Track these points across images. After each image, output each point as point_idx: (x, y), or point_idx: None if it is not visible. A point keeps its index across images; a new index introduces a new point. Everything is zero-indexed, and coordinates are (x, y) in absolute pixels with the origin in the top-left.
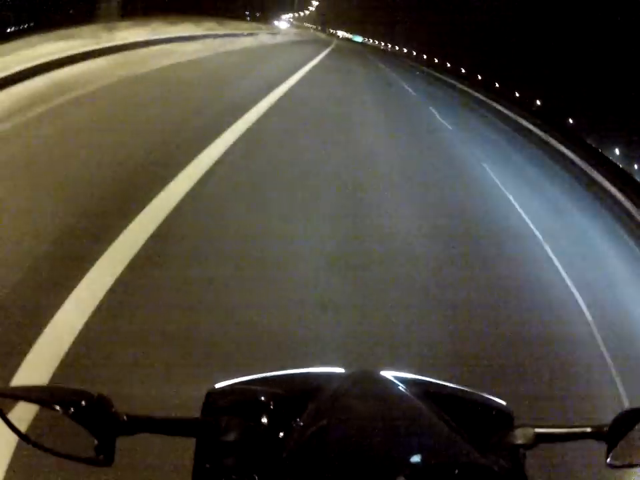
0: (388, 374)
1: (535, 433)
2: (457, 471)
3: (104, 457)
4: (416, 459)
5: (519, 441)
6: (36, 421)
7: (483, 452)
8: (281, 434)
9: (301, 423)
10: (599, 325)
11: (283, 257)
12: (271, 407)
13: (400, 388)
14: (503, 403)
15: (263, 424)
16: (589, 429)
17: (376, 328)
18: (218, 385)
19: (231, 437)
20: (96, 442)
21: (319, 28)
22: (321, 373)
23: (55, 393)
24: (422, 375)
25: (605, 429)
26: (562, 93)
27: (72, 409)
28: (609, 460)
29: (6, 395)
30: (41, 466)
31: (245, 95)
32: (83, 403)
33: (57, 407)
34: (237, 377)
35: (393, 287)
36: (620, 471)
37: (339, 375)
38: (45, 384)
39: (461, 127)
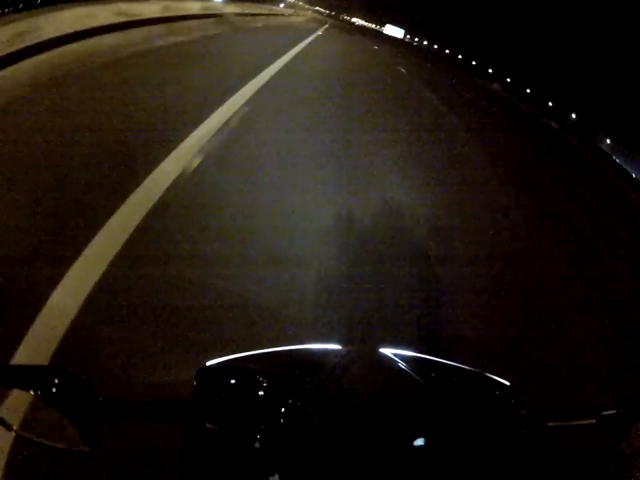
0: (387, 351)
1: (542, 415)
2: (459, 451)
3: (87, 444)
4: (417, 437)
5: (527, 424)
6: (17, 405)
7: (487, 433)
8: (278, 413)
9: (300, 402)
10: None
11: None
12: (266, 385)
13: (400, 365)
14: (507, 383)
15: (258, 404)
16: (596, 415)
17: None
18: (209, 363)
19: (224, 419)
20: (76, 428)
21: (328, 13)
22: (317, 349)
23: (32, 374)
24: (421, 353)
25: (613, 414)
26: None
27: (47, 391)
28: (617, 446)
29: None
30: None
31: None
32: (62, 386)
33: (32, 392)
34: (228, 355)
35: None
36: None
37: (337, 351)
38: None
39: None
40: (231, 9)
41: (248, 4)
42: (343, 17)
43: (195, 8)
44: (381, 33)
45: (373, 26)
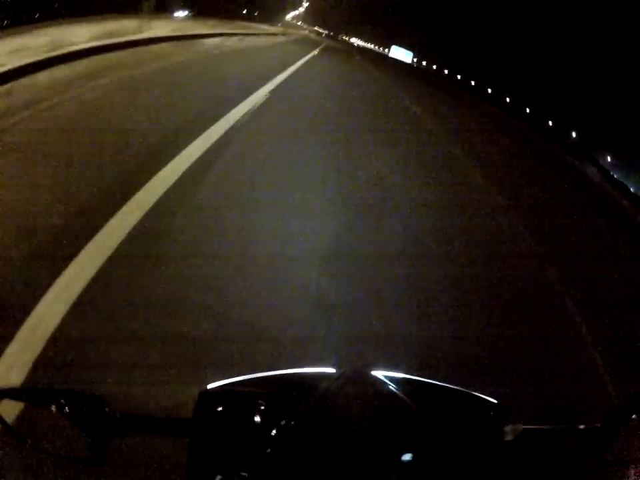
0: (379, 373)
1: (527, 430)
2: (448, 470)
3: (97, 456)
4: (407, 458)
5: (511, 439)
6: (30, 421)
7: (474, 450)
8: (273, 434)
9: (292, 423)
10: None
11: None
12: (263, 408)
13: (391, 388)
14: (495, 401)
15: (254, 424)
16: (582, 426)
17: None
18: (210, 386)
19: (223, 437)
20: (90, 441)
21: (327, 33)
22: (312, 373)
23: (48, 394)
24: (413, 375)
25: (598, 425)
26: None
27: (66, 409)
28: (603, 456)
29: (0, 395)
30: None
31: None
32: (78, 403)
33: (52, 408)
34: (228, 378)
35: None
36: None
37: (330, 375)
38: (42, 384)
39: None
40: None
41: (235, 23)
42: (341, 38)
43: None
44: (385, 56)
45: (375, 47)
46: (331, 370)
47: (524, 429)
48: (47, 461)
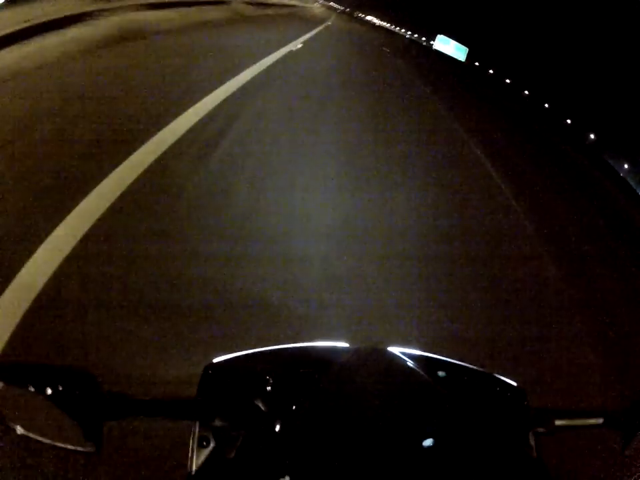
0: (396, 350)
1: (551, 417)
2: (467, 451)
3: (92, 442)
4: (426, 436)
5: (535, 425)
6: (13, 402)
7: (495, 433)
8: (285, 412)
9: (307, 401)
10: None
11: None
12: (275, 384)
13: (409, 364)
14: (514, 383)
15: (267, 402)
16: (604, 416)
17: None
18: (216, 360)
19: (231, 417)
20: (81, 426)
21: (342, 9)
22: (324, 347)
23: (35, 370)
24: (428, 352)
25: (620, 417)
26: None
27: (53, 390)
28: (625, 448)
29: None
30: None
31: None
32: (68, 383)
33: (39, 388)
34: (235, 351)
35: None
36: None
37: (344, 350)
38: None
39: None
40: None
41: None
42: (358, 15)
43: None
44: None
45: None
46: (345, 345)
47: (550, 416)
48: (36, 447)
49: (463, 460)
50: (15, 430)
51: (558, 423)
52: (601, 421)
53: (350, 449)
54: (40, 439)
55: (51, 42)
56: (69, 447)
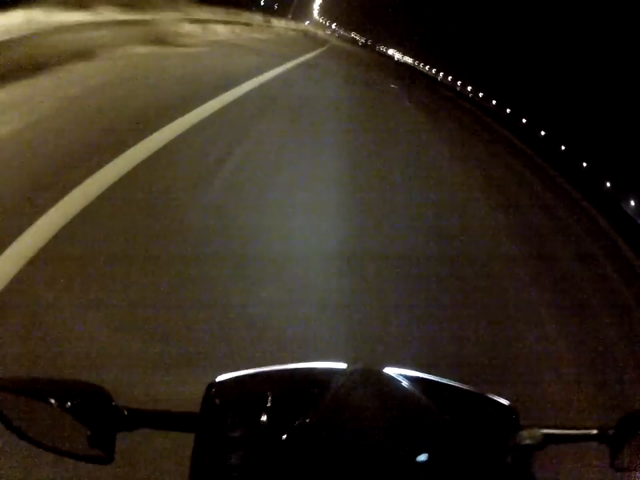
0: (392, 371)
1: (542, 433)
2: (462, 472)
3: (103, 453)
4: (421, 458)
5: (526, 442)
6: (29, 415)
7: (489, 452)
8: (283, 431)
9: (304, 421)
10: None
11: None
12: (273, 403)
13: (404, 386)
14: (507, 402)
15: (264, 420)
16: (594, 431)
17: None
18: (218, 378)
19: (232, 432)
20: (94, 437)
21: (364, 41)
22: (323, 368)
23: (52, 386)
24: (425, 373)
25: (610, 431)
26: None
27: (69, 403)
28: (614, 462)
29: (0, 388)
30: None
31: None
32: (82, 396)
33: (54, 401)
34: (238, 370)
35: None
36: (624, 473)
37: (342, 370)
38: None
39: None
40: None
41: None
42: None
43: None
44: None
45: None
46: (343, 365)
47: (540, 433)
48: (49, 459)
49: (457, 478)
50: (27, 440)
51: (549, 438)
52: (592, 434)
53: (348, 469)
54: (52, 448)
55: None
56: (82, 455)
